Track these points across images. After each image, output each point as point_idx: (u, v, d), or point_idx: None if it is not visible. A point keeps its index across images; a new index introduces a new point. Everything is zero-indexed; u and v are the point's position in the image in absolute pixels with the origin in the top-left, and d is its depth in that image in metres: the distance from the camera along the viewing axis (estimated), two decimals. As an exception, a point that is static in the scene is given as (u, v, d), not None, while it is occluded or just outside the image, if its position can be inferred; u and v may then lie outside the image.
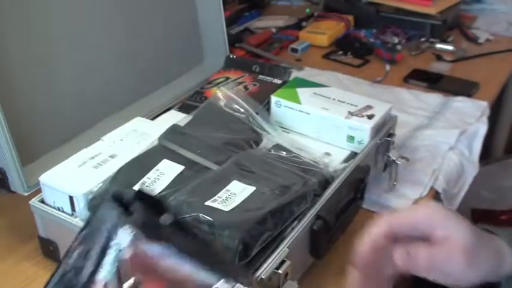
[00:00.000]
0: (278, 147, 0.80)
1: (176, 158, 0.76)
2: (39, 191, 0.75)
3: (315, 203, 0.71)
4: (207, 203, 0.65)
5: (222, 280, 0.41)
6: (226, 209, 0.65)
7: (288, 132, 0.90)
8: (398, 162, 0.89)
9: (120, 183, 0.71)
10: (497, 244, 0.53)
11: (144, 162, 0.75)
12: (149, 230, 0.43)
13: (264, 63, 1.04)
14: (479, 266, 0.50)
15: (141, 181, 0.71)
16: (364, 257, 0.50)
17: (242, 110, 0.85)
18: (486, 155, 1.44)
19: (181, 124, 0.84)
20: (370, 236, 0.50)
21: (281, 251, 0.64)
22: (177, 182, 0.71)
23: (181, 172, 0.73)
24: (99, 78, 0.91)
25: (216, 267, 0.42)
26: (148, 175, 0.72)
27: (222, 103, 0.86)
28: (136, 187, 0.70)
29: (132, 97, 0.98)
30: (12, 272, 0.77)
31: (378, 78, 1.27)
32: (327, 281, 0.75)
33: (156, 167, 0.74)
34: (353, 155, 0.85)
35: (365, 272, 0.51)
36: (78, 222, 0.71)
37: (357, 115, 0.85)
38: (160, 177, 0.72)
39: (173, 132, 0.81)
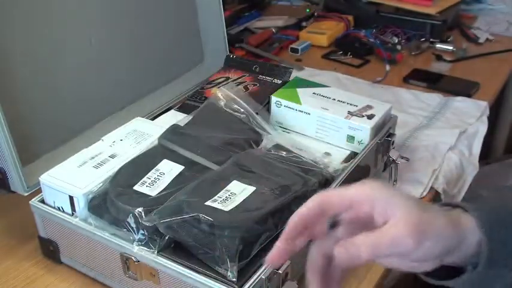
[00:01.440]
0: (278, 147, 0.80)
1: (176, 158, 0.76)
2: (39, 191, 0.75)
3: (315, 203, 0.71)
4: (207, 203, 0.65)
5: None
6: (226, 209, 0.65)
7: (288, 132, 0.90)
8: (398, 162, 0.89)
9: (120, 183, 0.71)
10: (454, 217, 0.46)
11: (144, 162, 0.75)
12: None
13: (264, 63, 1.04)
14: (431, 243, 0.43)
15: (141, 181, 0.71)
16: (290, 233, 0.47)
17: (242, 110, 0.85)
18: (486, 155, 1.44)
19: (181, 124, 0.84)
20: (298, 212, 0.46)
21: (281, 251, 0.64)
22: (177, 182, 0.71)
23: (181, 172, 0.73)
24: (99, 78, 0.91)
25: None
26: (148, 175, 0.72)
27: (222, 103, 0.86)
28: (136, 187, 0.71)
29: (132, 97, 0.98)
30: (12, 272, 0.77)
31: (378, 78, 1.27)
32: (327, 281, 0.74)
33: (156, 167, 0.74)
34: (353, 155, 0.85)
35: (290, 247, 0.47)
36: (78, 222, 0.71)
37: (356, 115, 0.85)
38: (160, 177, 0.72)
39: (173, 132, 0.81)
